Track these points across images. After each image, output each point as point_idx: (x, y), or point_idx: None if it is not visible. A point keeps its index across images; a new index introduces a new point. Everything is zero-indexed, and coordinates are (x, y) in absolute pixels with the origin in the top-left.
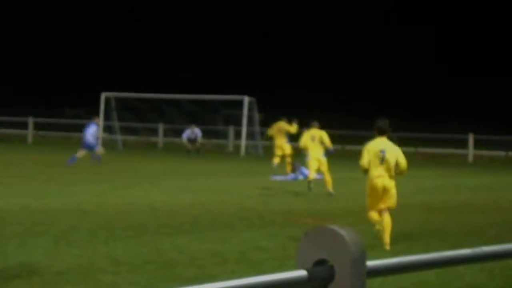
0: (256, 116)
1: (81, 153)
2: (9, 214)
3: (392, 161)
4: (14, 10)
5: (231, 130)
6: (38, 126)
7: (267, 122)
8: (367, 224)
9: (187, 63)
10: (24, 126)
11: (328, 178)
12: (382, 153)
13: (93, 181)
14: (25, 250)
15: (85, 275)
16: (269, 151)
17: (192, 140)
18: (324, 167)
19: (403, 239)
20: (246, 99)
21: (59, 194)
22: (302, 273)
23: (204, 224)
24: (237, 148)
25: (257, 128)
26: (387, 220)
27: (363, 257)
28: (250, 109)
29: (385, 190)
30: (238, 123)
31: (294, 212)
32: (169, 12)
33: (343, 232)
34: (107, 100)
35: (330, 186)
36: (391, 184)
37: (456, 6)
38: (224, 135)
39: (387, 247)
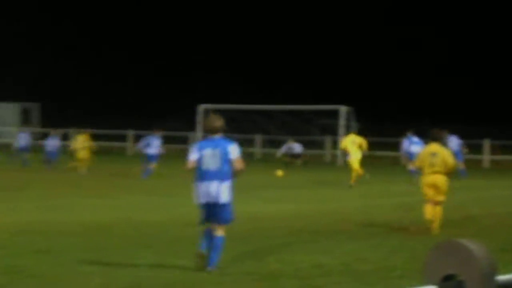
0: (354, 125)
1: (152, 165)
2: (113, 226)
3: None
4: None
5: (327, 140)
6: (137, 138)
7: (364, 131)
8: (473, 235)
9: (285, 74)
10: (122, 138)
11: (357, 173)
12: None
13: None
14: (132, 262)
15: (191, 286)
16: (366, 161)
17: (293, 155)
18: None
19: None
20: (343, 109)
21: (162, 206)
22: None
23: (306, 235)
24: (334, 157)
25: None
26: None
27: (493, 272)
28: (347, 119)
29: None
30: (335, 132)
31: (396, 222)
32: (267, 26)
33: (472, 246)
34: (205, 112)
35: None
36: None
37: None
38: (321, 145)
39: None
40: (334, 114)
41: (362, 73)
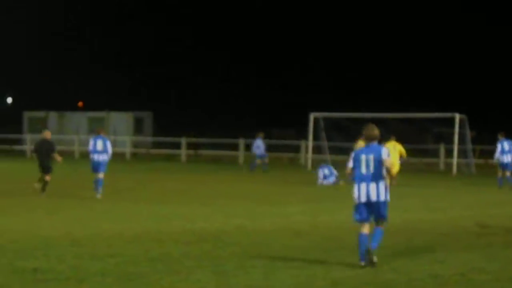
0: (468, 133)
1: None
2: (225, 235)
3: None
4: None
5: (441, 148)
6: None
7: (479, 140)
8: None
9: (399, 82)
10: (235, 147)
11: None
12: None
13: (303, 201)
14: (244, 270)
15: None
16: (482, 170)
17: None
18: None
19: None
20: (457, 116)
21: (272, 214)
22: None
23: (419, 244)
24: (448, 166)
25: (469, 146)
26: None
27: None
28: (461, 127)
29: None
30: (448, 141)
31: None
32: (380, 34)
33: None
34: (316, 120)
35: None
36: None
37: None
38: (435, 153)
39: None
40: (449, 122)
41: (475, 81)
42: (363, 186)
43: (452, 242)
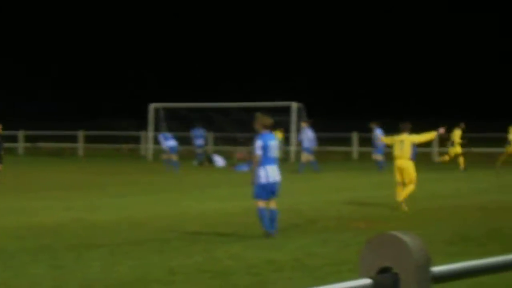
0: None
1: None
2: (63, 228)
3: None
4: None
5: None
6: (88, 139)
7: (316, 127)
8: (420, 228)
9: (234, 71)
10: (74, 139)
11: None
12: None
13: (143, 192)
14: (82, 263)
15: (142, 286)
16: (321, 157)
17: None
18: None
19: (458, 240)
20: (294, 105)
21: (111, 206)
22: (367, 281)
23: (257, 231)
24: (286, 154)
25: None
26: None
27: (427, 263)
28: (298, 115)
29: None
30: (286, 129)
31: (346, 217)
32: (220, 24)
33: (406, 238)
34: (156, 111)
35: None
36: None
37: None
38: None
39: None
40: (286, 110)
41: (314, 69)
42: (273, 168)
43: (289, 228)
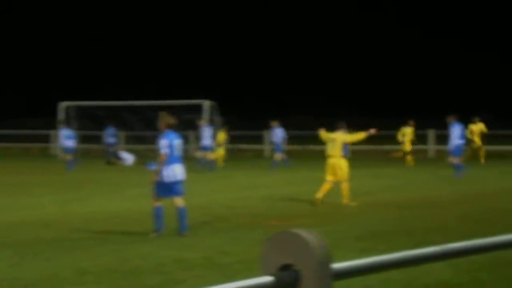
0: (218, 120)
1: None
2: None
3: None
4: None
5: (191, 134)
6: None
7: (228, 125)
8: (333, 224)
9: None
10: None
11: None
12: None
13: (56, 192)
14: None
15: (51, 286)
16: (230, 154)
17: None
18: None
19: (368, 236)
20: (207, 103)
21: (22, 206)
22: (268, 279)
23: (168, 230)
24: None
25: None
26: None
27: (328, 260)
28: (211, 113)
29: None
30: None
31: (259, 214)
32: (132, 22)
33: (307, 235)
34: (67, 110)
35: None
36: None
37: None
38: (185, 140)
39: None
40: (198, 109)
41: (227, 68)
42: (179, 166)
43: (201, 227)
